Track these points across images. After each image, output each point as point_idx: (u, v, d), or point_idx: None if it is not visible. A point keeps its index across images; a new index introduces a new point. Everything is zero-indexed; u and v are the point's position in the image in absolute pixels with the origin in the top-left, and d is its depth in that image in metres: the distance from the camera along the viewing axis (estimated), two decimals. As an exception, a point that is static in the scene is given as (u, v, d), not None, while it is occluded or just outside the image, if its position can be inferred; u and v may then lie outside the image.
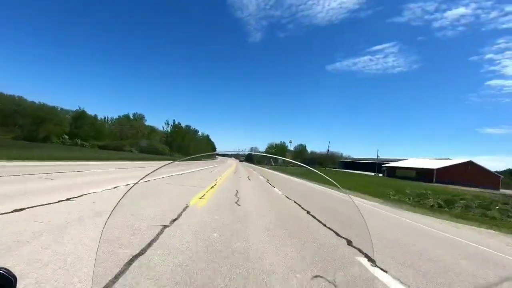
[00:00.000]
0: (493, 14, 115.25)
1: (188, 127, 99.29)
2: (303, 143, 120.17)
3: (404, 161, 67.16)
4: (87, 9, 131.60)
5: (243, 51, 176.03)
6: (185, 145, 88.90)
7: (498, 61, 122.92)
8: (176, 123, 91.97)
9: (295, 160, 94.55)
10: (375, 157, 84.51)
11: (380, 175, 61.20)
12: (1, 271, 0.64)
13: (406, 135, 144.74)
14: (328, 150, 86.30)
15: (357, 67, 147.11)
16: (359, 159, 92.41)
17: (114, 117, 75.73)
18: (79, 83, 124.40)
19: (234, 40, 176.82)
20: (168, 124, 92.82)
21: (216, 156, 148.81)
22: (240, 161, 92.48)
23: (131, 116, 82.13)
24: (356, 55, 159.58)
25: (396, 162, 67.86)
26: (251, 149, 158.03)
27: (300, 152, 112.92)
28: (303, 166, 2.38)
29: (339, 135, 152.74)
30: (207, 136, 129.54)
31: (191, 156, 31.03)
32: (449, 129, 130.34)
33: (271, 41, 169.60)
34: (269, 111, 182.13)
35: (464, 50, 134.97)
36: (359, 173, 55.43)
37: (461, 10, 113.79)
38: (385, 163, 69.81)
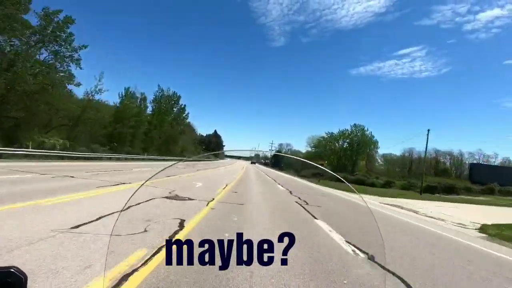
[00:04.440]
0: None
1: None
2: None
3: None
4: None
5: (266, 55, 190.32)
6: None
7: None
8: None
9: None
10: None
11: None
12: (12, 270, 0.69)
13: (434, 140, 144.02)
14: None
15: (382, 71, 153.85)
16: None
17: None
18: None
19: (257, 45, 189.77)
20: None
21: (225, 157, 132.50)
22: (252, 162, 72.92)
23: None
24: (381, 59, 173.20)
25: None
26: (280, 147, 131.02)
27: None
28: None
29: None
30: (183, 109, 61.84)
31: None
32: (481, 135, 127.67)
33: (294, 45, 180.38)
34: (289, 115, 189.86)
35: (498, 53, 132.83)
36: None
37: (496, 11, 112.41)
38: None
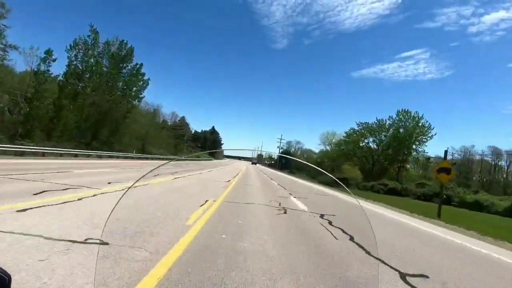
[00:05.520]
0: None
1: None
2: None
3: None
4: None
5: (268, 57, 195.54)
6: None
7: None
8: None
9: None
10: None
11: None
12: None
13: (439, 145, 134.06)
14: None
15: (385, 73, 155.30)
16: None
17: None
18: None
19: (259, 47, 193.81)
20: None
21: (223, 157, 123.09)
22: (253, 163, 67.77)
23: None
24: (384, 62, 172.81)
25: None
26: (288, 145, 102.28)
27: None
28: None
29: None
30: (137, 72, 33.40)
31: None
32: (485, 138, 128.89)
33: (297, 47, 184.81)
34: (293, 114, 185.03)
35: (502, 56, 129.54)
36: None
37: (501, 14, 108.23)
38: None
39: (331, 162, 60.63)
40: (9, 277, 0.67)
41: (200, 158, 65.66)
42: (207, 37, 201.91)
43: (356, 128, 50.16)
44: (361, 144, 49.87)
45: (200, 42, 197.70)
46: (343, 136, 51.95)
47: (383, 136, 48.46)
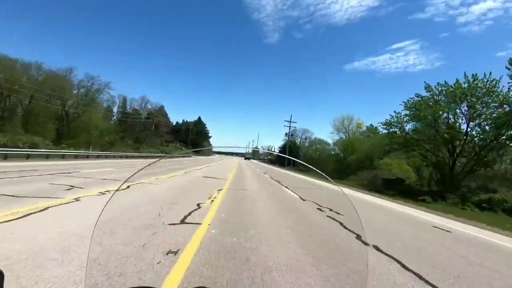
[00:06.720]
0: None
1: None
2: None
3: None
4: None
5: (260, 51, 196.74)
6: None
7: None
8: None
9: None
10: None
11: None
12: None
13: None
14: None
15: (376, 66, 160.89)
16: None
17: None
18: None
19: (251, 42, 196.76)
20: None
21: (213, 154, 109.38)
22: (246, 158, 68.32)
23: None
24: (375, 54, 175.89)
25: None
26: (294, 133, 75.04)
27: None
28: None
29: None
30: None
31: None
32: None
33: (288, 41, 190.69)
34: (286, 112, 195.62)
35: (491, 46, 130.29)
36: None
37: (489, 3, 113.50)
38: None
39: (366, 153, 39.29)
40: (1, 274, 0.67)
41: (183, 156, 43.84)
42: (197, 30, 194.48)
43: (425, 94, 27.60)
44: (439, 120, 27.59)
45: (190, 36, 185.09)
46: (403, 108, 29.33)
47: (477, 104, 25.98)
